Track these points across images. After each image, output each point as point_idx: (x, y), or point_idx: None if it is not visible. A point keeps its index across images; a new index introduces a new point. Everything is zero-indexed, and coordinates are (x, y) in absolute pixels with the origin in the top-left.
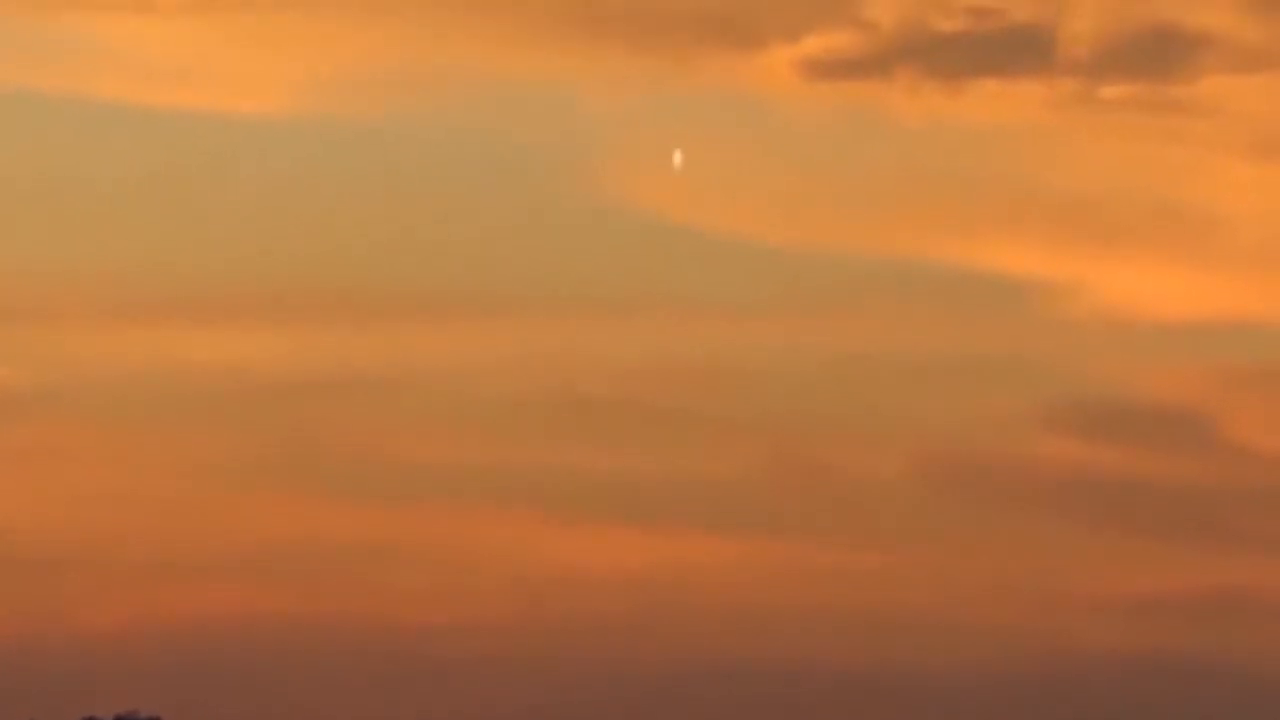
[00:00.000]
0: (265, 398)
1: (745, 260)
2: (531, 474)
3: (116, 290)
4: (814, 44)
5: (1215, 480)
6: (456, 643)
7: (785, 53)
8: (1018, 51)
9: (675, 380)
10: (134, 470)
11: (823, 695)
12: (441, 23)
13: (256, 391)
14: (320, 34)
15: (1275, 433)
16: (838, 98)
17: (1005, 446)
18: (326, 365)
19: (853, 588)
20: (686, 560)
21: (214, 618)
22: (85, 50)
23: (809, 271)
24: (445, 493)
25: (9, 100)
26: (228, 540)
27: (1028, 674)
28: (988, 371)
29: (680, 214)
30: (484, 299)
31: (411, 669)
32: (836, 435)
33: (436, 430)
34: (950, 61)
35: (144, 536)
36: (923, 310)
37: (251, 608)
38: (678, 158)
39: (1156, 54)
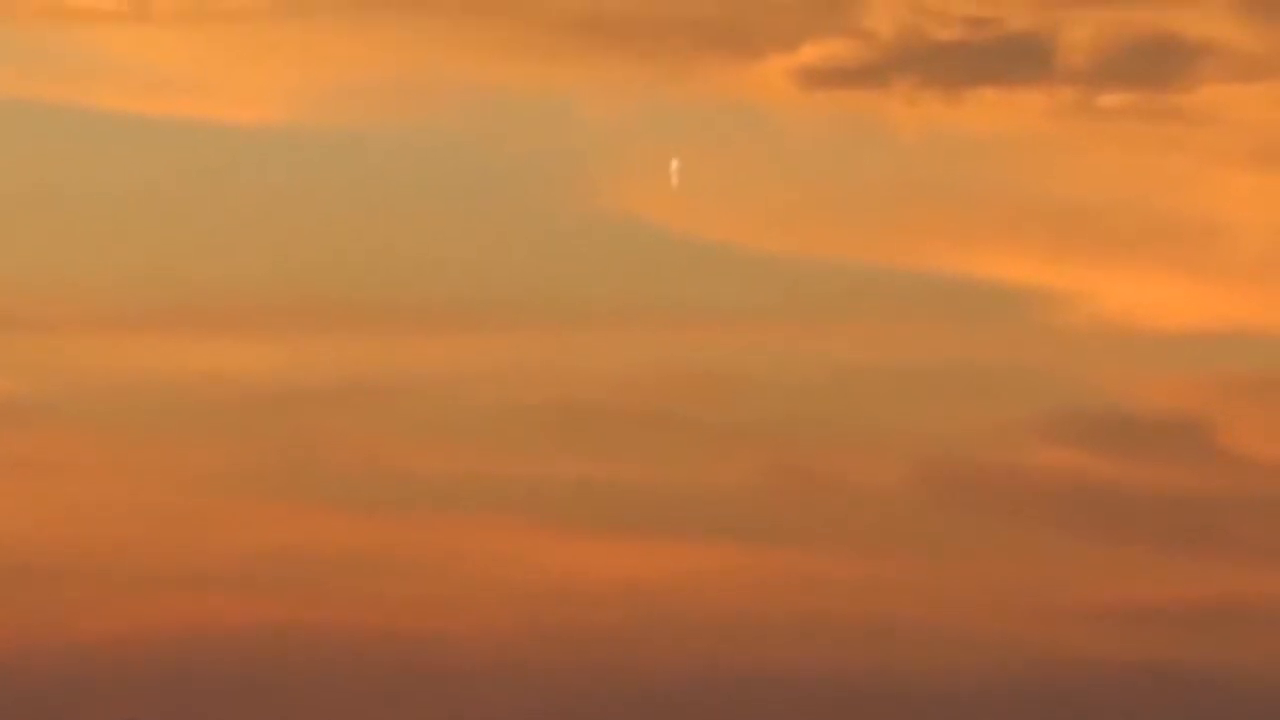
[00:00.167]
0: (263, 407)
1: (742, 269)
2: (529, 483)
3: (114, 300)
4: (811, 53)
5: (1215, 490)
6: (454, 652)
7: (782, 61)
8: (1016, 60)
9: (673, 389)
10: (131, 479)
11: (821, 704)
12: (437, 33)
13: (254, 401)
14: (317, 44)
15: (1275, 442)
16: (835, 106)
17: (1004, 456)
18: (324, 375)
19: (851, 596)
20: (684, 569)
21: (212, 627)
22: (82, 60)
23: (806, 280)
24: (443, 502)
25: (5, 109)
26: (225, 549)
27: (1027, 683)
28: (987, 381)
29: (677, 223)
30: (481, 308)
31: (409, 678)
32: (834, 444)
33: (434, 439)
34: (948, 70)
35: (142, 546)
36: (921, 319)
37: (249, 617)
38: (674, 168)
39: (1156, 63)
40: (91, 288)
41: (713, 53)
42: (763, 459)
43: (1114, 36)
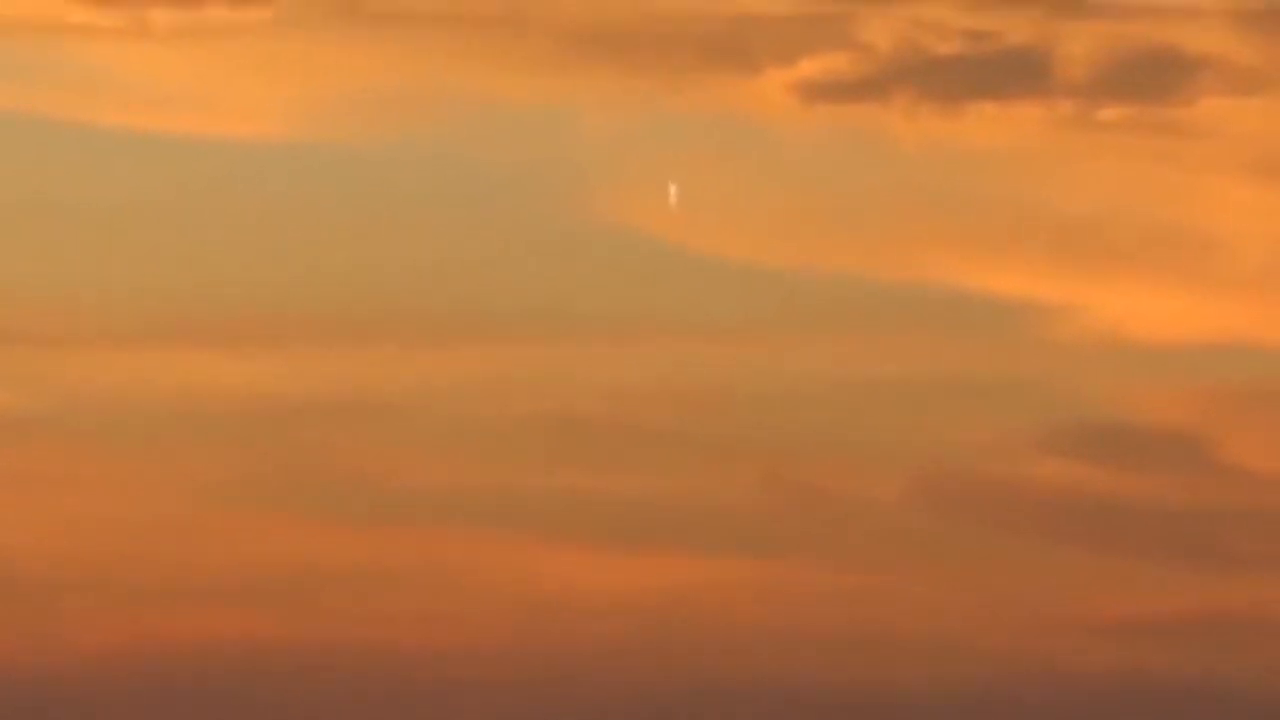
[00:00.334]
0: (262, 421)
1: (742, 282)
2: (528, 496)
3: (114, 313)
4: (810, 66)
5: (1213, 502)
6: (454, 666)
7: (781, 75)
8: (1015, 74)
9: (672, 402)
10: (132, 494)
11: (818, 716)
12: (437, 46)
13: (253, 414)
14: (316, 58)
15: (1273, 455)
16: (834, 120)
17: (1002, 468)
18: (324, 389)
19: (850, 610)
20: (682, 582)
21: (213, 642)
22: (82, 75)
23: (806, 293)
24: (442, 516)
25: (5, 125)
26: (227, 564)
27: (1025, 694)
28: (984, 393)
29: (676, 236)
30: (480, 320)
31: (410, 693)
32: (832, 456)
33: (433, 453)
34: (947, 84)
35: (141, 559)
36: (919, 332)
37: (248, 630)
38: (673, 192)
39: (1154, 76)
40: (92, 301)
41: (712, 66)
42: (760, 471)
43: (1112, 50)
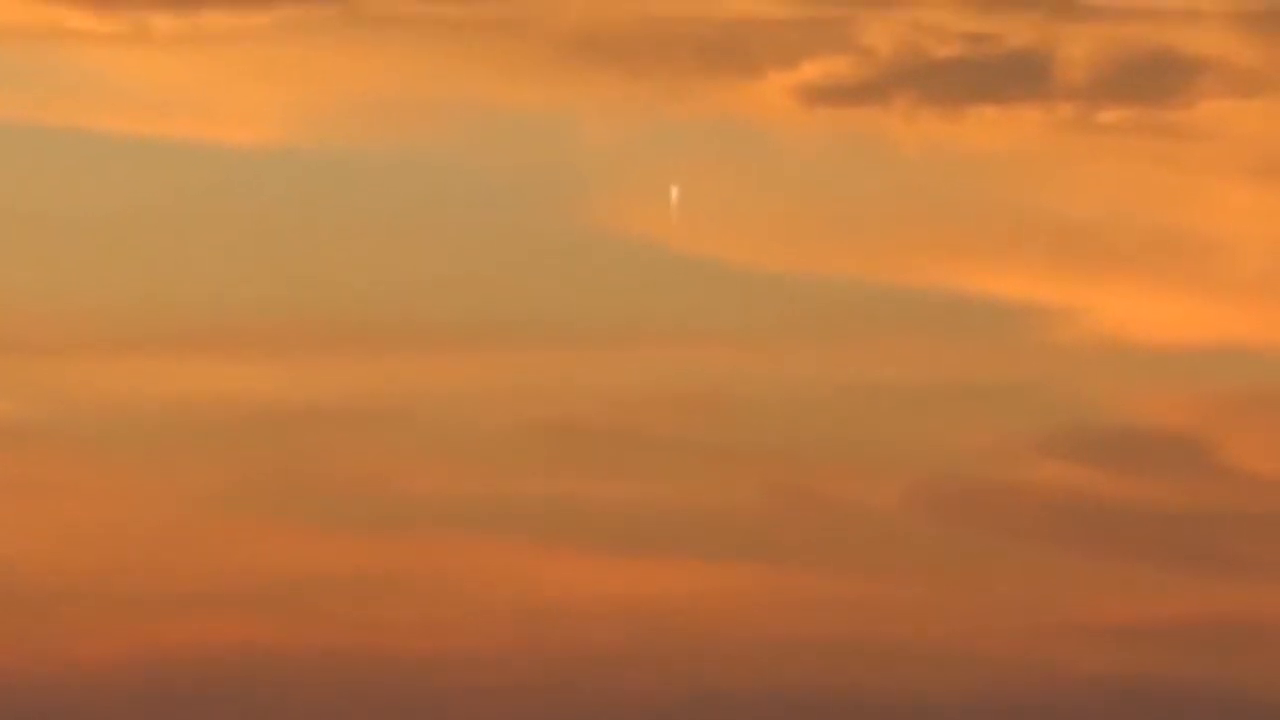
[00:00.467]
0: (261, 429)
1: (743, 288)
2: (529, 503)
3: (112, 321)
4: (811, 70)
5: (1214, 505)
6: (455, 672)
7: (782, 79)
8: (1015, 77)
9: (672, 408)
10: (130, 501)
11: None
12: (436, 53)
13: (253, 423)
14: (316, 64)
15: (1274, 458)
16: (835, 124)
17: (1003, 473)
18: (324, 395)
19: (851, 614)
20: (684, 588)
21: (213, 648)
22: (81, 81)
23: (807, 299)
24: (442, 523)
25: (4, 131)
26: (226, 571)
27: (1026, 699)
28: (985, 397)
29: (677, 241)
30: (480, 327)
31: (410, 699)
32: (834, 463)
33: (433, 460)
34: (948, 87)
35: (140, 568)
36: (920, 336)
37: (249, 639)
38: (674, 196)
39: (1154, 79)
40: (90, 308)
41: (712, 71)
42: (761, 478)
43: (1113, 53)
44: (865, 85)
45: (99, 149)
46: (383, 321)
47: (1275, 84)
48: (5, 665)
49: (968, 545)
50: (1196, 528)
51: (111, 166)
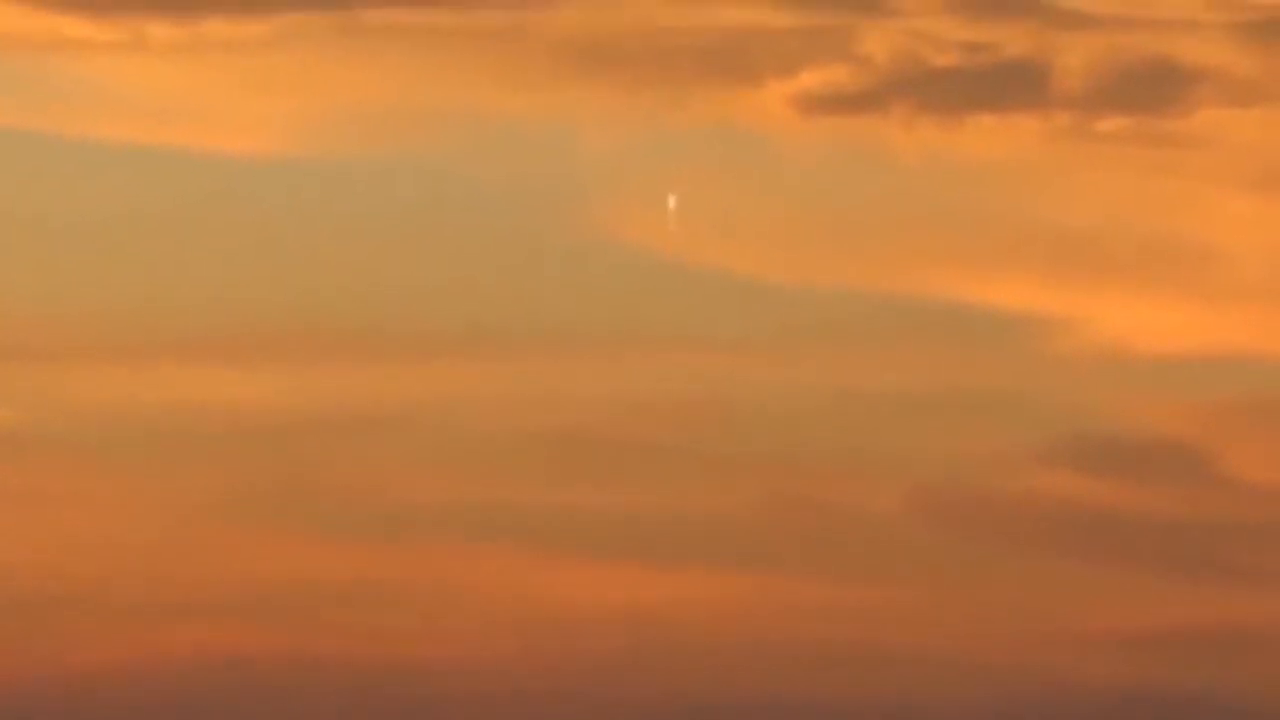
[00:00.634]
0: (261, 437)
1: (741, 296)
2: (529, 512)
3: (112, 329)
4: (809, 79)
5: (1213, 514)
6: (454, 681)
7: (780, 88)
8: (1013, 86)
9: (671, 417)
10: (129, 509)
11: None
12: (435, 61)
13: (252, 431)
14: (314, 73)
15: (1273, 467)
16: (833, 133)
17: (1002, 482)
18: (322, 404)
19: (850, 623)
20: (683, 597)
21: (212, 657)
22: (79, 89)
23: (805, 307)
24: (442, 530)
25: (2, 139)
26: (225, 579)
27: (1025, 708)
28: (985, 407)
29: (676, 250)
30: (478, 336)
31: (410, 708)
32: (833, 471)
33: (433, 468)
34: (946, 96)
35: (140, 575)
36: (919, 345)
37: (248, 647)
38: (671, 205)
39: (1152, 87)
40: (88, 316)
41: (711, 79)
42: (761, 486)
43: (1110, 62)
44: (864, 94)
45: (97, 157)
46: (382, 329)
47: (1273, 93)
48: (4, 673)
49: (967, 553)
50: (1196, 536)
51: (110, 174)
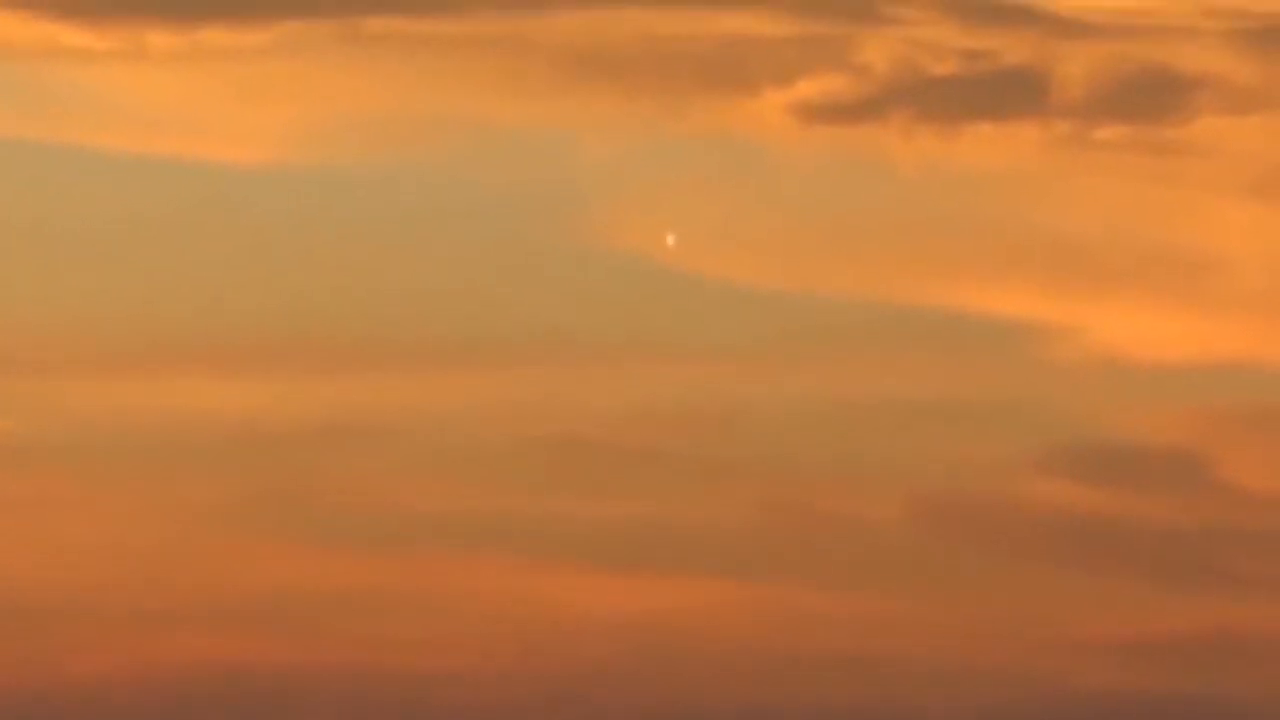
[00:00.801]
0: (259, 446)
1: (739, 305)
2: (527, 520)
3: (109, 339)
4: (808, 88)
5: (1212, 522)
6: (451, 690)
7: (779, 97)
8: (1012, 94)
9: (670, 425)
10: (126, 518)
11: None
12: (434, 69)
13: (251, 440)
14: (312, 81)
15: (1272, 475)
16: (831, 141)
17: (1000, 490)
18: (320, 413)
19: (849, 631)
20: (682, 605)
21: (210, 666)
22: (77, 98)
23: (803, 316)
24: (440, 540)
25: (0, 148)
26: (222, 588)
27: (1024, 716)
28: (983, 415)
29: (674, 259)
30: (477, 345)
31: (407, 716)
32: (831, 480)
33: (430, 477)
34: (944, 105)
35: (137, 585)
36: (917, 354)
37: (246, 656)
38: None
39: (1151, 95)
40: (86, 326)
41: (710, 88)
42: (760, 494)
43: (1110, 70)
44: (862, 103)
45: (95, 166)
46: (380, 338)
47: (1272, 101)
48: (4, 681)
49: (966, 561)
50: (1194, 544)
51: (108, 183)
